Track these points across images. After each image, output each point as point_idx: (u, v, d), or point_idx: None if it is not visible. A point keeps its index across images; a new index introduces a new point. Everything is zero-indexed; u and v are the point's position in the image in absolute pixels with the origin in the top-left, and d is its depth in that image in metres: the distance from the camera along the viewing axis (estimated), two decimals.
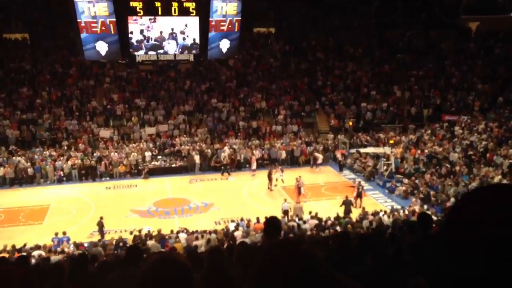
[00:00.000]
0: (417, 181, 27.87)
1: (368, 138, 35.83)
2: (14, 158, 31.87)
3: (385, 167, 29.99)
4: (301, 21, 48.35)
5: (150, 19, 21.70)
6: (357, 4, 48.97)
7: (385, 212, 22.73)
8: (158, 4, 21.19)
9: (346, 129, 37.57)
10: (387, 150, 30.63)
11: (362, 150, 33.16)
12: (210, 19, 21.96)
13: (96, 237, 21.57)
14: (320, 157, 33.05)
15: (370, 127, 37.94)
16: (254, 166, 31.98)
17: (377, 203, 26.49)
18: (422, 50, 45.21)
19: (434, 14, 48.38)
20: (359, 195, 26.11)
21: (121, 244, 19.09)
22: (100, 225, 21.94)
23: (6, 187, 30.40)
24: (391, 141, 33.19)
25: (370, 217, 21.30)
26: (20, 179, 30.92)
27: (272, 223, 5.61)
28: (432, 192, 25.82)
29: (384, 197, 27.64)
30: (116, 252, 17.80)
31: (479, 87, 39.67)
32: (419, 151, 31.51)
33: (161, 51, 22.68)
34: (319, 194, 28.25)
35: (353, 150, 33.77)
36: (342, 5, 48.90)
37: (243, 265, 5.18)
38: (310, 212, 22.16)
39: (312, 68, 43.58)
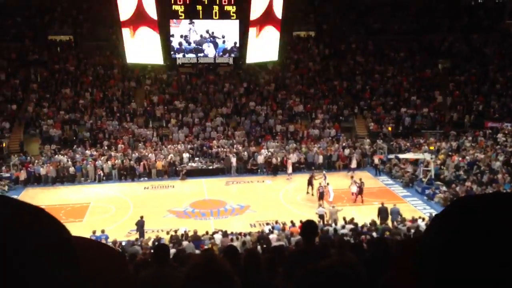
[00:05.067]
0: (457, 188, 27.29)
1: (407, 143, 35.25)
2: (56, 157, 32.72)
3: (424, 174, 29.47)
4: (341, 24, 48.03)
5: (190, 22, 21.93)
6: (397, 8, 48.32)
7: (424, 219, 22.31)
8: (199, 7, 21.38)
9: (385, 134, 37.09)
10: (427, 156, 30.09)
11: (401, 156, 32.65)
12: (251, 21, 22.03)
13: (133, 236, 21.91)
14: (353, 161, 32.74)
15: (409, 133, 37.36)
16: (289, 170, 31.88)
17: (416, 210, 26.03)
18: (464, 55, 44.30)
19: (477, 18, 47.36)
20: (361, 192, 26.82)
21: (157, 243, 19.32)
22: (140, 224, 22.24)
23: (49, 185, 31.21)
24: (431, 148, 32.60)
25: (408, 224, 20.98)
26: (62, 178, 31.70)
27: (309, 226, 5.61)
28: None
29: (423, 204, 27.15)
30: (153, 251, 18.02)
31: None
32: (459, 158, 30.85)
33: (201, 54, 22.90)
34: (355, 199, 27.93)
35: (391, 156, 33.27)
36: (382, 8, 48.36)
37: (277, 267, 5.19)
38: (344, 219, 21.98)
39: (351, 72, 43.24)
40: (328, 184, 27.18)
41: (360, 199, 27.17)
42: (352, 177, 28.75)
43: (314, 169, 31.28)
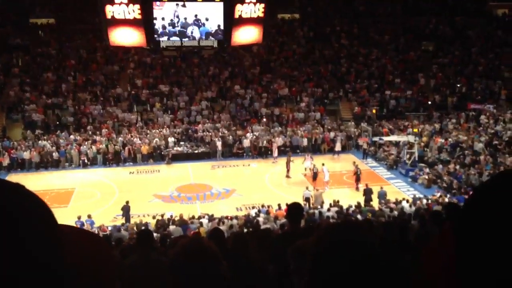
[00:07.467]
0: (440, 169, 27.60)
1: (390, 126, 35.43)
2: (40, 142, 32.40)
3: (408, 156, 29.72)
4: (326, 7, 47.85)
5: (176, 4, 21.69)
6: None
7: (408, 200, 22.57)
8: None
9: (369, 117, 37.24)
10: (410, 138, 30.30)
11: (385, 138, 32.83)
12: (235, 4, 21.83)
13: (119, 221, 21.88)
14: (337, 144, 32.95)
15: (393, 115, 37.55)
16: (275, 153, 31.95)
17: (400, 191, 26.28)
18: (448, 37, 44.48)
19: (461, 0, 47.48)
20: (358, 178, 26.38)
21: (143, 228, 19.31)
22: (126, 209, 22.20)
23: (32, 171, 30.95)
24: (415, 130, 32.82)
25: (392, 206, 21.20)
26: (46, 163, 31.43)
27: (294, 209, 5.66)
28: (455, 182, 25.54)
29: (407, 186, 27.43)
30: None
31: (506, 75, 38.97)
32: (443, 140, 31.14)
33: (185, 37, 22.69)
34: (341, 182, 28.15)
35: (376, 138, 33.44)
36: None
37: (263, 250, 5.23)
38: (332, 203, 22.15)
39: (336, 55, 43.20)
40: (323, 164, 27.25)
41: (356, 185, 26.69)
42: (354, 162, 28.61)
43: (290, 152, 31.19)
